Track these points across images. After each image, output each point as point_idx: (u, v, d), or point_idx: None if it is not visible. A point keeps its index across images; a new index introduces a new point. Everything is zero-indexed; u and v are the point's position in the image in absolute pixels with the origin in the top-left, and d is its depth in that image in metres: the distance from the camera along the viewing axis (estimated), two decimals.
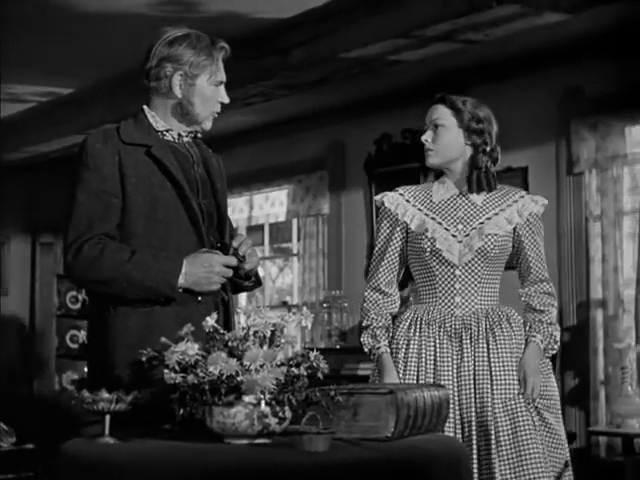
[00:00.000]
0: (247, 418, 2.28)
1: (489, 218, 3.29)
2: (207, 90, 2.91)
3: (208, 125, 2.97)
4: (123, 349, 2.74)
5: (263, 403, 2.29)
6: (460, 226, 3.28)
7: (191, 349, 2.33)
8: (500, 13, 4.67)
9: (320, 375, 2.38)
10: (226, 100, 2.96)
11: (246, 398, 2.29)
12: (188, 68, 2.88)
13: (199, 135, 3.01)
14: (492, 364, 3.17)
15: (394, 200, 3.37)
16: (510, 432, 3.10)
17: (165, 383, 2.34)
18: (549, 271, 3.38)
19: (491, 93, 5.63)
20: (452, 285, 3.26)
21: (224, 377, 2.28)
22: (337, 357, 6.67)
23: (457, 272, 3.26)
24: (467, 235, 3.27)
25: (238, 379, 2.28)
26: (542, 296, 3.31)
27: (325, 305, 7.14)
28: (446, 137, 3.30)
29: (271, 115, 7.42)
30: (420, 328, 3.26)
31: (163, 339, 2.44)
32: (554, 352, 3.30)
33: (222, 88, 2.96)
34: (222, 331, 2.40)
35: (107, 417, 2.37)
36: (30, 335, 8.72)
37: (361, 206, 7.24)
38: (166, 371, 2.33)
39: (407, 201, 3.36)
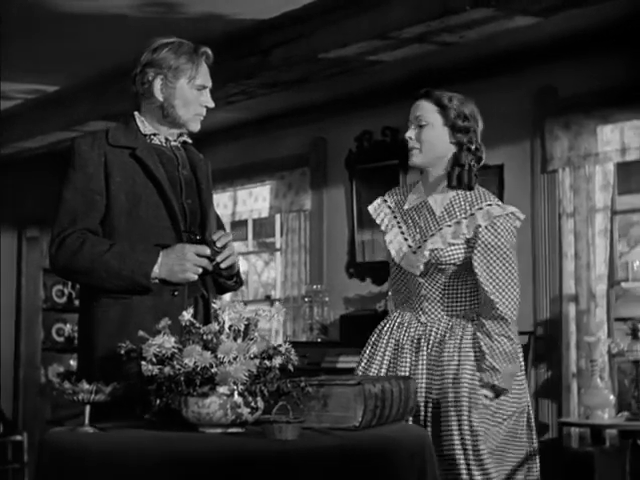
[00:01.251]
0: (221, 408, 2.37)
1: (441, 229, 3.16)
2: (188, 93, 3.00)
3: (194, 126, 3.05)
4: (104, 339, 2.83)
5: (236, 394, 2.37)
6: (418, 236, 3.20)
7: (168, 342, 2.41)
8: (474, 16, 4.72)
9: (291, 367, 2.46)
10: (211, 104, 3.04)
11: (220, 389, 2.37)
12: (168, 71, 2.98)
13: (188, 140, 3.11)
14: (433, 374, 3.12)
15: (375, 210, 3.33)
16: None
17: (142, 375, 2.43)
18: (524, 267, 3.24)
19: (468, 93, 5.69)
20: (419, 291, 3.21)
21: (199, 369, 2.35)
22: (318, 350, 6.74)
23: (420, 280, 3.19)
24: (419, 247, 3.18)
25: (212, 371, 2.35)
26: (493, 323, 3.08)
27: (307, 299, 7.18)
28: (431, 135, 3.17)
29: (254, 113, 7.43)
30: (391, 330, 3.25)
31: (141, 332, 2.52)
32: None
33: (206, 92, 3.04)
34: (197, 325, 2.48)
35: (87, 407, 2.46)
36: (16, 328, 8.76)
37: (342, 202, 7.26)
38: (144, 363, 2.41)
39: (389, 207, 3.30)
